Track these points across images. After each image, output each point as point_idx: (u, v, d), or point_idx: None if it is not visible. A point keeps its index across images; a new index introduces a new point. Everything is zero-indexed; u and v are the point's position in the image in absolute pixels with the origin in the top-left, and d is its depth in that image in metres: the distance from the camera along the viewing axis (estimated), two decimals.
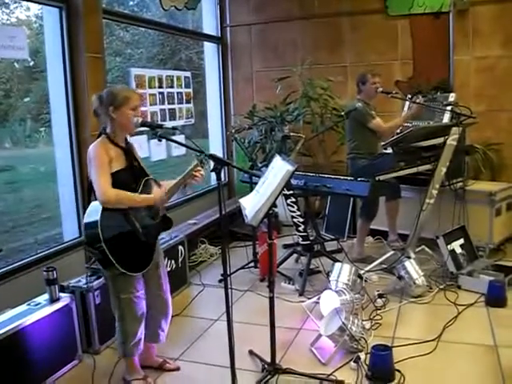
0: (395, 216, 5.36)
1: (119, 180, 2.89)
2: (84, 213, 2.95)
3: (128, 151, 3.04)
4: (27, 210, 6.43)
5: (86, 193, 4.39)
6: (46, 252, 4.23)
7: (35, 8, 5.43)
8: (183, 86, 6.14)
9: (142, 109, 4.71)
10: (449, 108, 4.88)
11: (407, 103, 5.48)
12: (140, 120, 2.89)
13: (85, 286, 3.56)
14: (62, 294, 3.46)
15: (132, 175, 3.00)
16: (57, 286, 3.42)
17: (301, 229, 4.86)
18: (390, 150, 4.94)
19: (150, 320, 3.22)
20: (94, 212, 2.85)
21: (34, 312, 3.21)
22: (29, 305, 3.32)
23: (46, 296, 3.41)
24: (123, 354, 3.15)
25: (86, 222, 2.90)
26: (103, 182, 2.81)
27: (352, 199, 6.07)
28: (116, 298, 3.05)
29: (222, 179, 2.82)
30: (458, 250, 4.66)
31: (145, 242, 3.01)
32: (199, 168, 3.01)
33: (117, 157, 2.95)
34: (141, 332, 3.13)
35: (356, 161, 5.07)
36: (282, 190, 2.85)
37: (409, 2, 6.33)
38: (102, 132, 2.99)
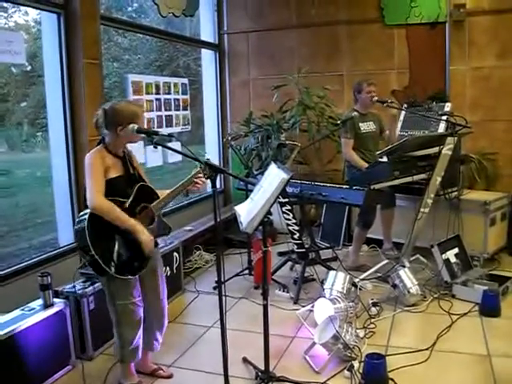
0: (390, 225, 5.38)
1: (114, 186, 2.92)
2: None
3: (125, 160, 3.06)
4: (22, 214, 6.40)
5: (82, 199, 4.47)
6: (41, 257, 4.22)
7: (34, 12, 5.42)
8: (180, 92, 6.15)
9: None
10: (444, 118, 4.91)
11: (403, 112, 5.50)
12: (136, 127, 2.90)
13: (79, 291, 3.56)
14: (56, 300, 3.46)
15: (128, 182, 3.02)
16: (51, 292, 3.42)
17: (296, 236, 4.86)
18: (385, 159, 4.95)
19: (145, 328, 3.21)
20: (83, 218, 2.86)
21: (28, 317, 3.21)
22: (23, 310, 3.32)
23: (39, 301, 3.40)
24: (121, 360, 3.16)
25: (76, 227, 2.90)
26: (94, 190, 2.83)
27: (347, 208, 6.08)
28: (112, 305, 3.05)
29: (218, 186, 2.84)
30: (453, 259, 4.68)
31: (138, 246, 3.00)
32: (200, 175, 3.03)
33: (113, 165, 2.98)
34: (138, 338, 3.13)
35: (351, 169, 5.09)
36: (277, 198, 2.86)
37: (406, 12, 6.37)
38: (102, 141, 3.02)
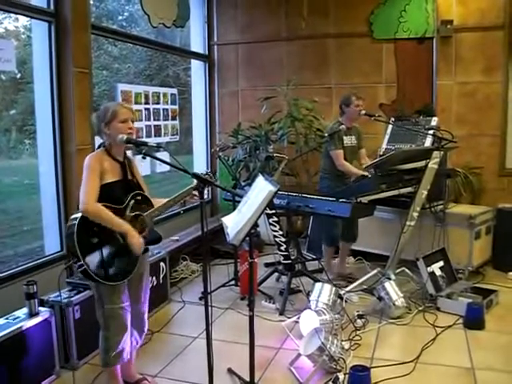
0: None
1: (109, 191, 2.93)
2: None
3: (124, 165, 3.08)
4: (8, 221, 6.37)
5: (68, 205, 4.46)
6: (27, 265, 4.18)
7: (24, 19, 5.42)
8: (169, 102, 6.16)
9: None
10: (431, 132, 4.96)
11: (390, 126, 5.55)
12: (125, 137, 2.92)
13: (65, 300, 3.55)
14: (41, 309, 3.44)
15: (124, 188, 3.03)
16: (36, 300, 3.40)
17: (282, 248, 4.87)
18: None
19: None
20: (73, 222, 2.85)
21: (13, 326, 3.19)
22: (7, 318, 3.29)
23: (25, 310, 3.38)
24: (105, 363, 3.11)
25: (66, 231, 2.90)
26: (87, 194, 2.84)
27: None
28: (101, 308, 3.04)
29: (206, 197, 2.85)
30: (438, 272, 4.71)
31: (128, 253, 2.99)
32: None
33: (111, 169, 2.99)
34: (124, 341, 3.11)
35: (322, 180, 5.17)
36: (264, 210, 2.87)
37: (394, 27, 6.44)
38: (102, 145, 3.06)
